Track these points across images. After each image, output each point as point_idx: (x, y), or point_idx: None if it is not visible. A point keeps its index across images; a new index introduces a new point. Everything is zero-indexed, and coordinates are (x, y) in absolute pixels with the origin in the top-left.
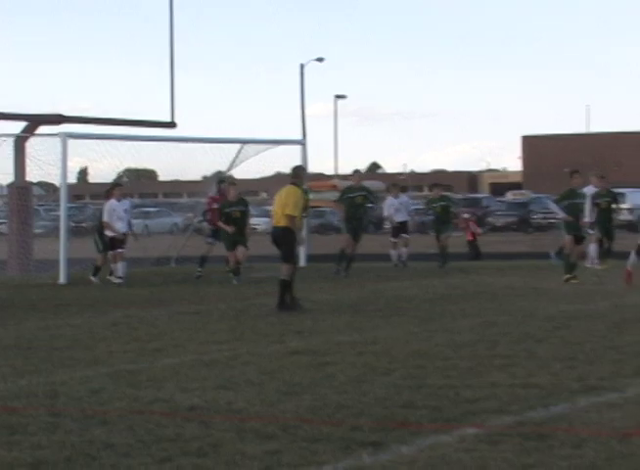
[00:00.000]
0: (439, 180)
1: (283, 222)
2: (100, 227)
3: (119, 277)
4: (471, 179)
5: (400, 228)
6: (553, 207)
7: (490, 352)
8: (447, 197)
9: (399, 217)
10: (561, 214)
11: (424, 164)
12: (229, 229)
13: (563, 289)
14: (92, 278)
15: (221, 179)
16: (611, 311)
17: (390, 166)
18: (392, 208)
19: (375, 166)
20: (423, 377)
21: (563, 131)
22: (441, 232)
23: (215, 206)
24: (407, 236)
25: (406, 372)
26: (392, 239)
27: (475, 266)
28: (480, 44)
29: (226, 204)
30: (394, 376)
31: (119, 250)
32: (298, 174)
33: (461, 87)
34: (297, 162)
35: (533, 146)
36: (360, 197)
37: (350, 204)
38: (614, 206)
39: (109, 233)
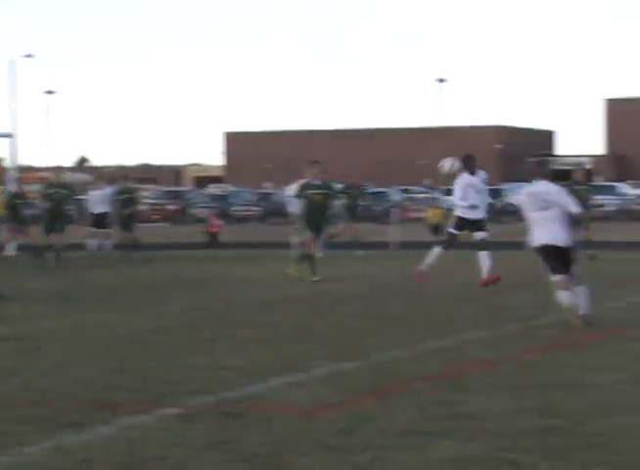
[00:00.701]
0: (146, 173)
1: None
2: None
3: None
4: (176, 173)
5: (100, 220)
6: (294, 202)
7: (193, 337)
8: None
9: (101, 209)
10: (292, 209)
11: (132, 157)
12: None
13: (266, 275)
14: None
15: None
16: (309, 297)
17: (100, 160)
18: (96, 199)
19: (83, 160)
20: (127, 361)
21: (262, 128)
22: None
23: None
24: (107, 230)
25: (111, 356)
26: (90, 228)
27: (180, 256)
28: (185, 42)
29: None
30: (99, 360)
31: None
32: None
33: (172, 82)
34: (6, 154)
35: (235, 142)
36: (58, 193)
37: (50, 199)
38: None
39: None
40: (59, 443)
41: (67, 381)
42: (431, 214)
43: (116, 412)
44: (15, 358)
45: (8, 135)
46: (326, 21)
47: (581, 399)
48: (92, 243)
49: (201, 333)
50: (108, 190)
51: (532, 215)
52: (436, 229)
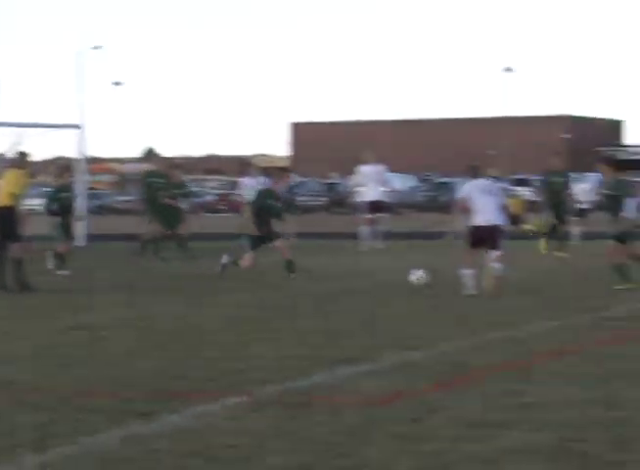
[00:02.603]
0: (212, 164)
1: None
2: None
3: None
4: (241, 163)
5: None
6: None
7: (258, 326)
8: None
9: None
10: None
11: (198, 148)
12: None
13: (331, 269)
14: None
15: None
16: (373, 288)
17: (166, 151)
18: None
19: (150, 151)
20: (193, 350)
21: (329, 119)
22: None
23: None
24: None
25: (178, 345)
26: None
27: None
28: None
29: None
30: (167, 349)
31: None
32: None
33: (237, 72)
34: (76, 145)
35: (301, 132)
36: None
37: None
38: None
39: None
40: (129, 431)
41: (135, 370)
42: (511, 204)
43: (186, 401)
44: (83, 348)
45: (76, 126)
46: (389, 10)
47: None
48: None
49: (265, 323)
50: None
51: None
52: (516, 220)
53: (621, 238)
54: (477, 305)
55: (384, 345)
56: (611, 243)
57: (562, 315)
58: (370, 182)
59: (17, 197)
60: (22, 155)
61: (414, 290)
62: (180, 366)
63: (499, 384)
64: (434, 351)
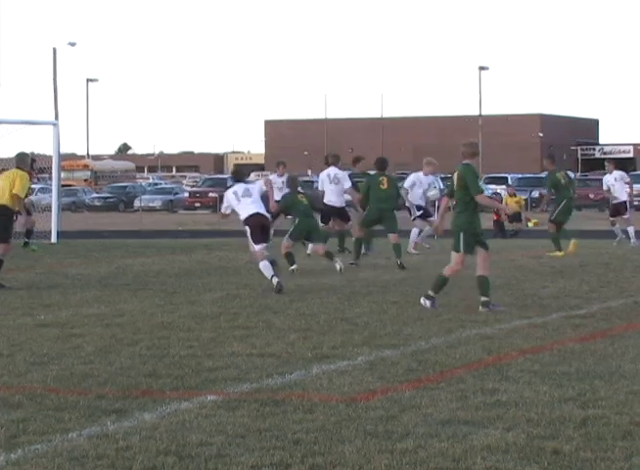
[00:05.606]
0: (187, 161)
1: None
2: None
3: None
4: (217, 160)
5: None
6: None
7: (231, 324)
8: None
9: None
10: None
11: (173, 145)
12: None
13: (299, 264)
14: None
15: None
16: (343, 285)
17: (141, 148)
18: None
19: (125, 147)
20: (166, 347)
21: (302, 117)
22: None
23: None
24: None
25: (151, 343)
26: None
27: (218, 243)
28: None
29: None
30: (139, 347)
31: None
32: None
33: (208, 72)
34: (50, 142)
35: (275, 130)
36: None
37: None
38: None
39: None
40: (101, 429)
41: (107, 367)
42: (509, 203)
43: (159, 399)
44: (55, 345)
45: (52, 123)
46: (363, 12)
47: (621, 387)
48: None
49: (239, 320)
50: None
51: None
52: (514, 218)
53: None
54: (449, 302)
55: (358, 342)
56: None
57: (534, 313)
58: None
59: (19, 199)
60: (24, 155)
61: (385, 288)
62: (153, 364)
63: (472, 382)
64: (408, 348)
